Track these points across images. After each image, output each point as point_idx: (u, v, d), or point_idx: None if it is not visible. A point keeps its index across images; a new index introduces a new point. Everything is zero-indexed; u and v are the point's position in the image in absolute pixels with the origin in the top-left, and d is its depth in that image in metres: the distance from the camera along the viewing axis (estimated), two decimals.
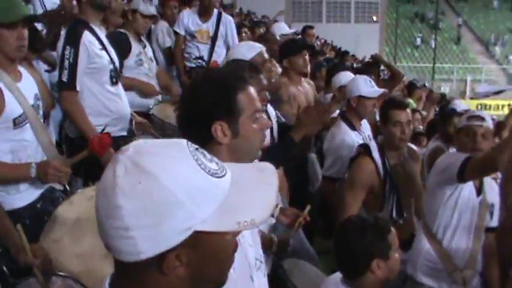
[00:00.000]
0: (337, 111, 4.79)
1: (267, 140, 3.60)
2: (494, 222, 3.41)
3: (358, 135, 4.38)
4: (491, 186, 3.42)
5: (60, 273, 2.41)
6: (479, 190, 3.32)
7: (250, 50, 3.59)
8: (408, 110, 3.63)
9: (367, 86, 4.40)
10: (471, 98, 32.01)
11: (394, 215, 3.52)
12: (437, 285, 3.28)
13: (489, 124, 3.34)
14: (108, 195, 0.97)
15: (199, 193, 0.97)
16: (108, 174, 0.99)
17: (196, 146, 1.04)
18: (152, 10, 4.76)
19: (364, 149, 3.60)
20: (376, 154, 3.52)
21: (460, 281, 3.24)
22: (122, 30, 4.48)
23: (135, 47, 4.46)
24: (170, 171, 0.97)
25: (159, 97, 4.72)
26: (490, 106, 31.45)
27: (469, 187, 3.25)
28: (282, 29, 5.80)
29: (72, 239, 2.54)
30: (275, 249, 2.86)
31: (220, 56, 5.55)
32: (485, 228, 3.35)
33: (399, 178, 3.59)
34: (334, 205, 4.43)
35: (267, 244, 2.79)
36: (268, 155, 3.54)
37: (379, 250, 2.32)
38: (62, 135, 3.81)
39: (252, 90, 1.82)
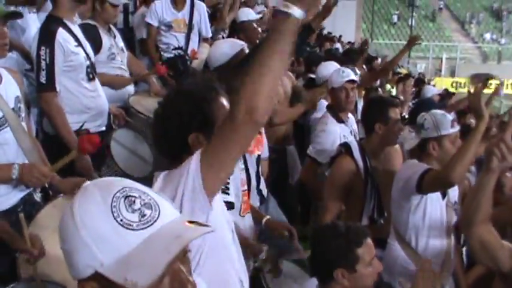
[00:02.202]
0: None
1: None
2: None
3: (345, 127, 4.37)
4: None
5: (54, 282, 2.39)
6: (444, 192, 3.31)
7: (232, 47, 3.54)
8: None
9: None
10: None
11: (375, 214, 3.53)
12: None
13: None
14: None
15: (102, 239, 1.03)
16: None
17: (131, 194, 1.07)
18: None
19: (345, 148, 3.59)
20: (357, 154, 3.51)
21: (439, 286, 3.26)
22: (91, 22, 4.22)
23: (106, 40, 4.25)
24: (83, 211, 1.05)
25: (132, 89, 4.59)
26: (464, 84, 31.74)
27: (435, 192, 3.24)
28: (248, 14, 5.59)
29: (54, 244, 2.50)
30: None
31: (195, 43, 5.44)
32: None
33: (380, 177, 3.59)
34: (312, 188, 4.51)
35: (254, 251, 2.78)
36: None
37: (343, 260, 2.30)
38: (38, 129, 3.73)
39: (223, 99, 1.90)
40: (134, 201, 1.06)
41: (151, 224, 1.04)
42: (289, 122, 5.00)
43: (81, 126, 3.58)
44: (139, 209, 1.05)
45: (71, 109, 3.50)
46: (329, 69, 5.01)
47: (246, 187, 3.08)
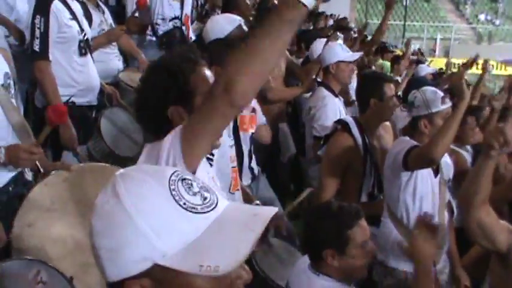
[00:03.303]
0: None
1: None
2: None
3: (339, 101, 4.35)
4: (445, 161, 3.36)
5: (27, 258, 2.31)
6: (437, 169, 3.26)
7: (230, 23, 3.55)
8: None
9: (343, 51, 4.38)
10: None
11: (375, 191, 3.48)
12: (409, 267, 3.05)
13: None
14: (92, 211, 0.98)
15: (164, 225, 0.92)
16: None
17: (185, 177, 0.99)
18: None
19: (342, 125, 3.52)
20: (355, 130, 3.45)
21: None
22: None
23: (96, 16, 4.20)
24: (137, 197, 0.94)
25: (121, 65, 4.52)
26: (458, 64, 31.72)
27: (426, 169, 3.18)
28: None
29: (47, 223, 2.45)
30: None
31: (188, 9, 5.33)
32: None
33: (377, 154, 3.54)
34: None
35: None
36: None
37: (333, 242, 2.28)
38: (29, 106, 3.70)
39: (203, 70, 1.85)
40: (192, 184, 0.98)
41: (215, 207, 0.97)
42: (283, 101, 4.97)
43: (68, 99, 3.56)
44: (198, 191, 0.98)
45: (58, 81, 3.48)
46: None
47: (235, 164, 3.04)
